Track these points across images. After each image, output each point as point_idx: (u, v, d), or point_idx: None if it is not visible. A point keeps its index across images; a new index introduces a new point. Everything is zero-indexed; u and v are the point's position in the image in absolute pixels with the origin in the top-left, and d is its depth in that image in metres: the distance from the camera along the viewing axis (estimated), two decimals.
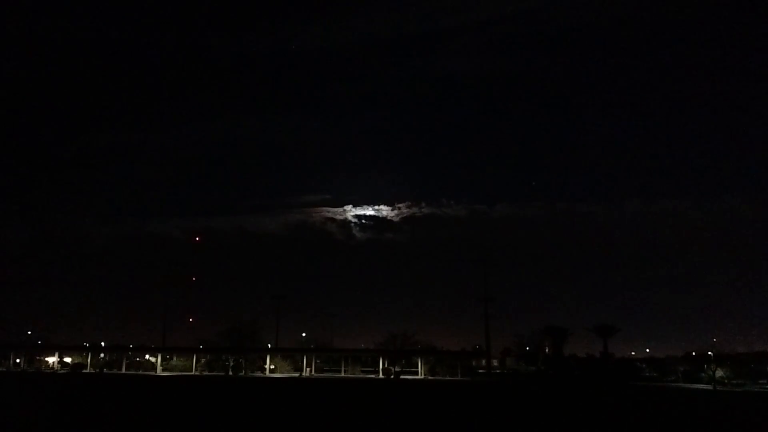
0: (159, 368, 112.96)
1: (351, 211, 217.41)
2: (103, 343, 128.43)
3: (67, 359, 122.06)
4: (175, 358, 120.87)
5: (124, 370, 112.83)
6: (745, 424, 34.76)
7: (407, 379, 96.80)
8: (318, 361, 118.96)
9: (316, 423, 29.56)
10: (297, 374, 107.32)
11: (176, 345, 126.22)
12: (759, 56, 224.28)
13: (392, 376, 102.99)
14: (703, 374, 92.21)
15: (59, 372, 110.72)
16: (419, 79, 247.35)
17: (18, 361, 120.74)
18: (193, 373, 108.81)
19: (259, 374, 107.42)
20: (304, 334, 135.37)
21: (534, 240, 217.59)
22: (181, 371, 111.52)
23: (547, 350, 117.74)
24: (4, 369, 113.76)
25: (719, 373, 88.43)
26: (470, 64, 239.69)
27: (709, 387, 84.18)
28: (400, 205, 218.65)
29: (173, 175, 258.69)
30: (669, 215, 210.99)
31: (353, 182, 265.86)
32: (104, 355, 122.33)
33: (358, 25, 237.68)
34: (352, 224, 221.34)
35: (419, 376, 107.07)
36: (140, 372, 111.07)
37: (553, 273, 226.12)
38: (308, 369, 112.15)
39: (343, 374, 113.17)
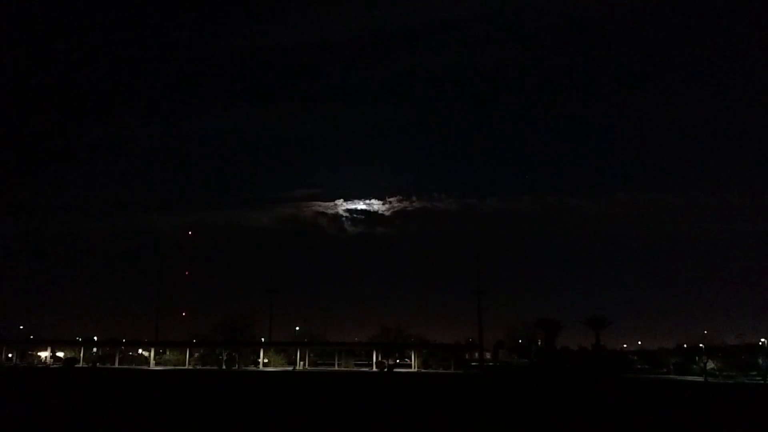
0: (152, 362, 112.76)
1: (342, 206, 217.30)
2: (95, 338, 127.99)
3: (60, 354, 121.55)
4: (168, 352, 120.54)
5: (117, 365, 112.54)
6: (734, 415, 35.07)
7: (400, 372, 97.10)
8: (311, 354, 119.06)
9: (309, 415, 29.60)
10: (290, 368, 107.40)
11: (169, 339, 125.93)
12: (746, 46, 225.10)
13: (385, 369, 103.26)
14: (695, 366, 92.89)
15: (52, 366, 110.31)
16: (410, 73, 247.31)
17: (10, 355, 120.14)
18: (186, 367, 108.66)
19: (252, 368, 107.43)
20: (297, 328, 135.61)
21: (525, 233, 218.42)
22: (174, 365, 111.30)
23: (539, 343, 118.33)
24: None
25: (710, 365, 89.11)
26: (461, 58, 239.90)
27: (701, 379, 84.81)
28: (391, 199, 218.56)
29: (165, 169, 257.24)
30: (657, 208, 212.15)
31: (344, 176, 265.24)
32: (97, 350, 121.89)
33: (347, 20, 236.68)
34: (344, 218, 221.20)
35: (412, 369, 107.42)
36: (133, 366, 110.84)
37: (545, 266, 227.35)
38: (302, 362, 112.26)
39: (336, 368, 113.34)
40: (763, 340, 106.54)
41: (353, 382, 63.66)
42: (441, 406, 35.98)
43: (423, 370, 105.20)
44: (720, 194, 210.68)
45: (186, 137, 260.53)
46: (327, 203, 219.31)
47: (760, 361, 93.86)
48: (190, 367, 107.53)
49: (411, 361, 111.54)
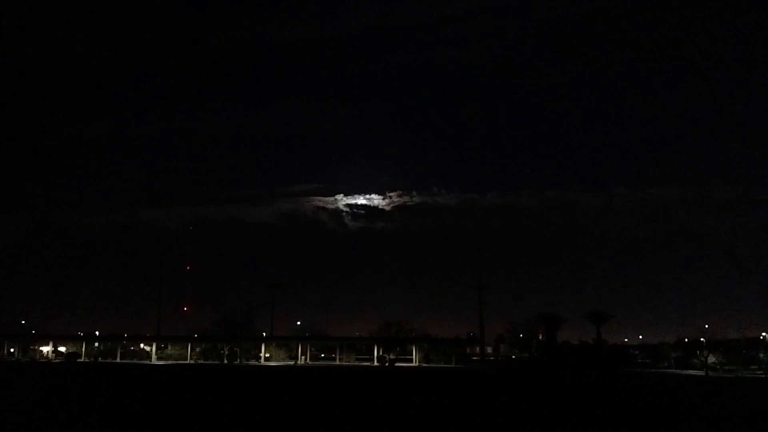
0: (154, 357, 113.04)
1: (342, 200, 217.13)
2: (97, 332, 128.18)
3: (62, 348, 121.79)
4: (170, 347, 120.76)
5: (119, 359, 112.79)
6: (735, 409, 35.09)
7: (402, 367, 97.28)
8: (313, 349, 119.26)
9: (310, 409, 29.63)
10: (292, 362, 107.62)
11: (171, 334, 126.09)
12: (745, 42, 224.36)
13: (387, 364, 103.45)
14: (696, 360, 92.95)
15: (54, 361, 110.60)
16: (410, 68, 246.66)
17: (12, 350, 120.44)
18: (188, 361, 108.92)
19: (254, 362, 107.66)
20: (299, 323, 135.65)
21: (526, 228, 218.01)
22: (176, 360, 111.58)
23: (540, 337, 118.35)
24: None
25: (711, 359, 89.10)
26: (461, 53, 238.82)
27: (701, 373, 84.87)
28: (391, 193, 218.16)
29: (164, 165, 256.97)
30: (658, 202, 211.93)
31: (344, 171, 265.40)
32: (99, 345, 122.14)
33: (346, 15, 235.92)
34: (344, 213, 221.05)
35: (414, 364, 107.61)
36: (135, 361, 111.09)
37: (546, 261, 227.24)
38: (303, 357, 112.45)
39: (338, 362, 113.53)
40: (764, 334, 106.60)
41: (354, 377, 63.76)
42: (442, 400, 36.01)
43: (424, 365, 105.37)
44: (721, 188, 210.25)
45: (185, 133, 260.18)
46: (327, 198, 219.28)
47: (761, 355, 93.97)
48: (192, 362, 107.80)
49: (412, 355, 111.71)
